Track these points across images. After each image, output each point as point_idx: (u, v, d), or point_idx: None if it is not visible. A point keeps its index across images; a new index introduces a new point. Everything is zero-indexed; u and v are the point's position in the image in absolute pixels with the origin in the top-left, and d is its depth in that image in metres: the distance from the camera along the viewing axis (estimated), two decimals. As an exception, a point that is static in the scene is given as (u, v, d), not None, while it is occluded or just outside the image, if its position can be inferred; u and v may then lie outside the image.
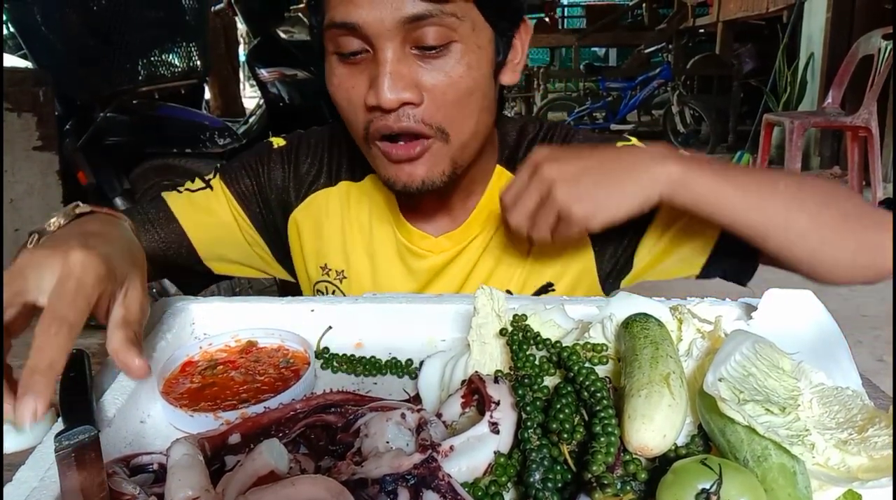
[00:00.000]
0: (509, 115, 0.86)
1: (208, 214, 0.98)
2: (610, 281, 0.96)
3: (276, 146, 1.02)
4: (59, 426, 0.55)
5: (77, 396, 0.55)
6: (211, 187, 0.99)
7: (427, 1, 0.73)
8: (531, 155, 0.79)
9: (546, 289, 0.94)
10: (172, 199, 0.97)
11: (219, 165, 1.02)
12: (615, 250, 0.94)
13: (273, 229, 1.01)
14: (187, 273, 1.01)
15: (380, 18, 0.74)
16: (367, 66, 0.78)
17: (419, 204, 0.94)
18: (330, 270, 1.00)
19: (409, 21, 0.74)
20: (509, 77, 0.87)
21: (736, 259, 0.88)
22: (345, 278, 0.99)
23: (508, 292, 0.93)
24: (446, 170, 0.83)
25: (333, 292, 0.99)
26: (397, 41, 0.75)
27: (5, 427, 0.56)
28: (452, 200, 0.94)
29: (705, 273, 0.92)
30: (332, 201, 0.99)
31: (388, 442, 0.51)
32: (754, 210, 0.75)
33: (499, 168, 0.96)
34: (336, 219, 0.99)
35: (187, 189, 0.99)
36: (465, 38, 0.77)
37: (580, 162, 0.76)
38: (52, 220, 0.69)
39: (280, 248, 1.03)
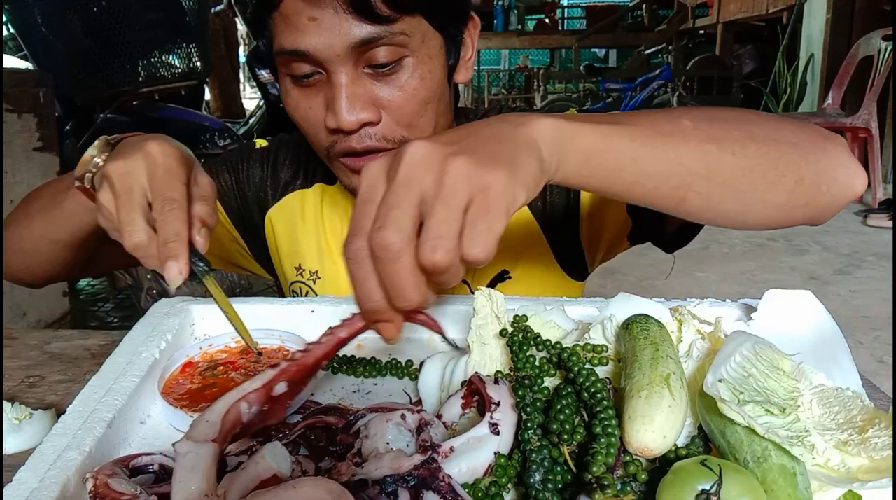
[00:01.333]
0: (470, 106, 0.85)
1: None
2: (573, 269, 0.97)
3: (257, 146, 1.04)
4: (57, 426, 0.55)
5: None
6: None
7: (374, 24, 0.73)
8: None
9: (501, 277, 0.94)
10: None
11: (202, 160, 1.04)
12: (564, 238, 0.94)
13: (251, 226, 1.03)
14: None
15: (328, 45, 0.74)
16: (321, 87, 0.78)
17: None
18: (304, 270, 1.01)
19: (358, 45, 0.74)
20: (463, 75, 0.87)
21: (649, 223, 0.86)
22: (318, 278, 1.00)
23: (465, 282, 0.93)
24: None
25: (307, 294, 1.00)
26: (349, 64, 0.75)
27: (5, 428, 0.56)
28: None
29: (634, 242, 0.92)
30: (307, 203, 1.00)
31: (388, 443, 0.52)
32: (663, 159, 0.57)
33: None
34: (311, 220, 1.00)
35: None
36: (416, 52, 0.77)
37: (449, 136, 0.50)
38: (96, 160, 0.69)
39: (258, 245, 1.04)
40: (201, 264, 0.63)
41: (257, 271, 1.08)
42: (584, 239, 0.94)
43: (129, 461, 0.54)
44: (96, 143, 0.71)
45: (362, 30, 0.73)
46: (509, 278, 0.94)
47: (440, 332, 0.57)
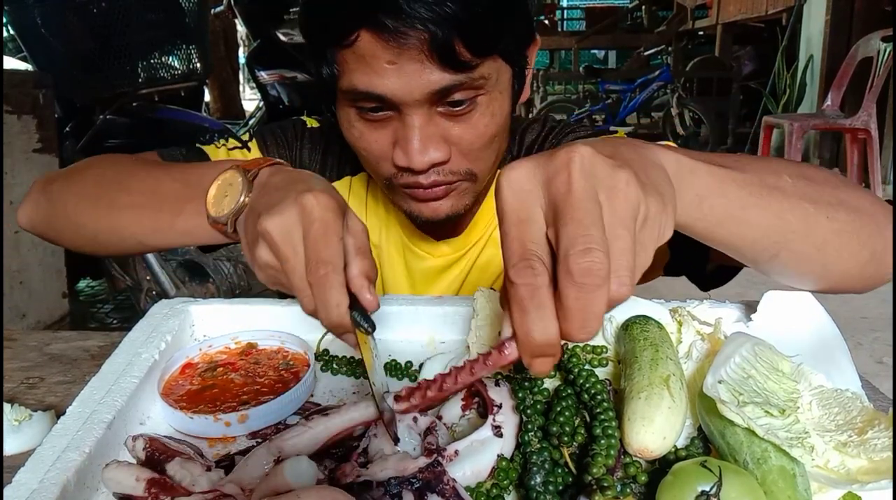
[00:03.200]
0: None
1: None
2: None
3: (309, 126, 1.01)
4: (57, 427, 0.55)
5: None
6: (248, 149, 0.97)
7: (456, 72, 0.71)
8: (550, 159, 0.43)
9: None
10: (211, 151, 0.94)
11: (252, 129, 1.02)
12: None
13: None
14: None
15: (408, 90, 0.71)
16: (389, 122, 0.77)
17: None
18: None
19: (438, 92, 0.72)
20: (524, 95, 0.86)
21: (689, 260, 0.85)
22: None
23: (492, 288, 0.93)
24: (469, 201, 0.84)
25: None
26: (425, 107, 0.74)
27: (5, 429, 0.56)
28: None
29: (669, 274, 0.91)
30: (353, 191, 0.99)
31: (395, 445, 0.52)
32: (768, 212, 0.56)
33: (500, 173, 0.95)
34: (357, 208, 0.99)
35: (223, 145, 0.96)
36: (490, 90, 0.76)
37: (597, 144, 0.45)
38: (241, 201, 0.63)
39: None
40: (365, 325, 0.57)
41: None
42: None
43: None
44: (227, 176, 0.65)
45: (444, 78, 0.71)
46: None
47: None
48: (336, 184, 0.99)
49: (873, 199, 0.66)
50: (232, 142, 0.97)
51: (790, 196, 0.57)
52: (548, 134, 0.96)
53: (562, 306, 0.39)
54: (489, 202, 0.93)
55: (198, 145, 0.95)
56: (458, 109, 0.75)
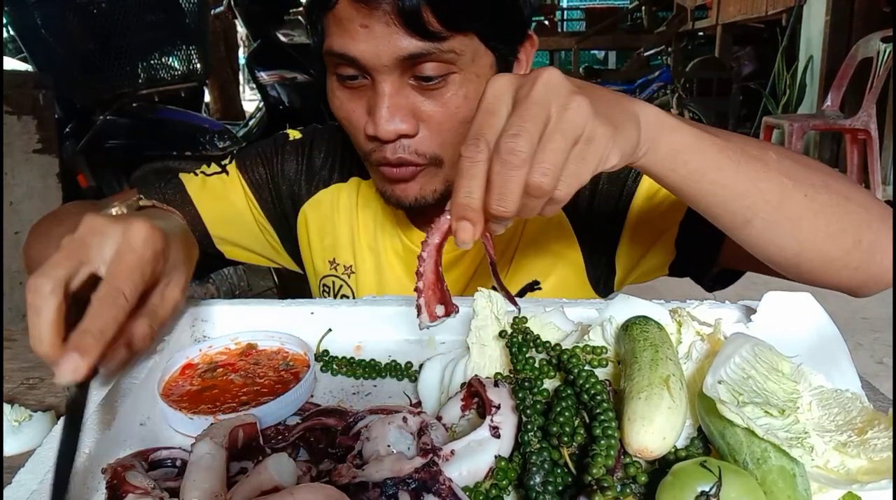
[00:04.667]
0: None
1: (223, 198, 0.99)
2: (601, 287, 0.96)
3: (291, 138, 1.03)
4: (57, 427, 0.55)
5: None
6: (227, 173, 1.00)
7: (425, 40, 0.73)
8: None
9: (532, 287, 0.94)
10: (188, 180, 0.98)
11: (234, 150, 1.05)
12: (598, 253, 0.94)
13: (283, 220, 1.03)
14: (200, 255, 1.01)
15: (376, 54, 0.74)
16: (365, 92, 0.78)
17: (422, 208, 0.95)
18: (338, 264, 1.01)
19: (406, 59, 0.74)
20: None
21: (696, 261, 0.87)
22: (353, 273, 1.00)
23: (493, 289, 0.93)
24: (438, 188, 0.84)
25: (340, 288, 1.00)
26: (395, 73, 0.75)
27: (5, 430, 0.56)
28: None
29: (673, 274, 0.91)
30: (343, 197, 1.00)
31: (389, 446, 0.51)
32: (742, 177, 0.59)
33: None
34: (346, 214, 1.00)
35: (202, 172, 1.00)
36: (464, 69, 0.76)
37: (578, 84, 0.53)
38: (114, 209, 0.66)
39: (289, 238, 1.04)
40: None
41: (287, 265, 1.09)
42: (620, 260, 0.94)
43: (149, 455, 0.54)
44: (129, 200, 0.68)
45: (411, 44, 0.73)
46: (539, 288, 0.94)
47: (492, 261, 0.58)
48: (327, 190, 1.01)
49: (870, 195, 0.68)
50: (213, 167, 1.00)
51: (770, 169, 0.61)
52: None
53: (488, 180, 0.47)
54: None
55: (179, 176, 0.99)
56: (429, 83, 0.76)
